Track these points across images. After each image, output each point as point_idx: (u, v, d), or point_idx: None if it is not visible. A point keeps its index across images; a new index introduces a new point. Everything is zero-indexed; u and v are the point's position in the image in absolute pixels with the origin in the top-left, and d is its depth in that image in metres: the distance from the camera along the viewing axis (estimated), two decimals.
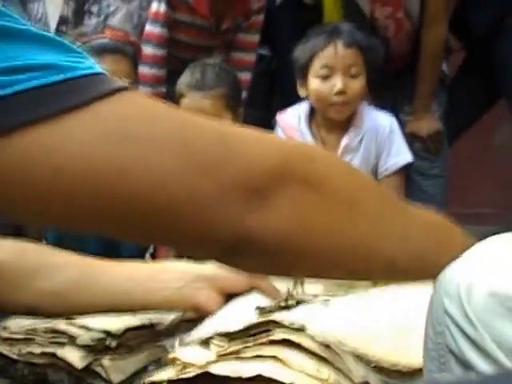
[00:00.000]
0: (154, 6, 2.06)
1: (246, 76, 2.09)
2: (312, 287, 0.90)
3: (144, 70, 2.04)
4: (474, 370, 0.45)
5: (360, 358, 0.66)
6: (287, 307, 0.81)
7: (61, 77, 0.40)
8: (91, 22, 2.19)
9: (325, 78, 1.72)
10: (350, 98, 1.73)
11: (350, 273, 0.55)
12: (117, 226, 0.44)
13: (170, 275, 0.81)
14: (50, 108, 0.40)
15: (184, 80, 1.78)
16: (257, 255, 0.48)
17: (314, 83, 1.74)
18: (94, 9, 2.24)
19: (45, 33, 0.43)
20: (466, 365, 0.46)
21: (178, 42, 2.09)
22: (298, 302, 0.83)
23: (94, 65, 0.44)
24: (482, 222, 2.82)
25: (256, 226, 0.45)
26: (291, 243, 0.48)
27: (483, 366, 0.45)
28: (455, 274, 0.48)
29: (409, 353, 0.65)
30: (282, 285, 0.92)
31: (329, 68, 1.72)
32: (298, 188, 0.48)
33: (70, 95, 0.41)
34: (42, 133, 0.40)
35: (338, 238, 0.50)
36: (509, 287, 0.45)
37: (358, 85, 1.73)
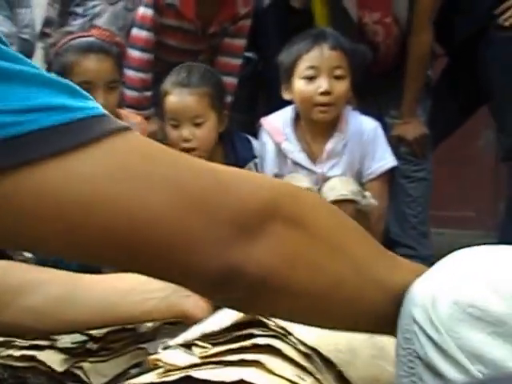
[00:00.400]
0: (141, 10, 2.05)
1: (231, 80, 2.10)
2: None
3: (130, 73, 2.04)
4: (440, 374, 0.48)
5: (333, 371, 0.66)
6: None
7: (69, 117, 0.43)
8: (76, 24, 2.18)
9: (310, 78, 1.74)
10: (335, 99, 1.74)
11: (334, 320, 0.55)
12: (112, 258, 0.47)
13: (154, 285, 0.81)
14: (58, 146, 0.42)
15: (170, 79, 1.79)
16: (242, 290, 0.49)
17: (298, 84, 1.75)
18: (79, 10, 2.24)
19: (53, 76, 0.47)
20: (432, 369, 0.49)
21: (165, 45, 2.09)
22: None
23: (97, 106, 0.46)
24: (464, 225, 2.85)
25: (242, 260, 0.47)
26: (275, 278, 0.49)
27: (448, 369, 0.48)
28: (422, 285, 0.51)
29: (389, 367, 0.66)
30: None
31: (314, 69, 1.73)
32: (284, 226, 0.49)
33: (76, 135, 0.43)
34: (49, 170, 0.42)
35: (322, 277, 0.51)
36: (470, 295, 0.48)
37: (342, 86, 1.74)
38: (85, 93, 0.47)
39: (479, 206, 2.86)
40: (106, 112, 0.46)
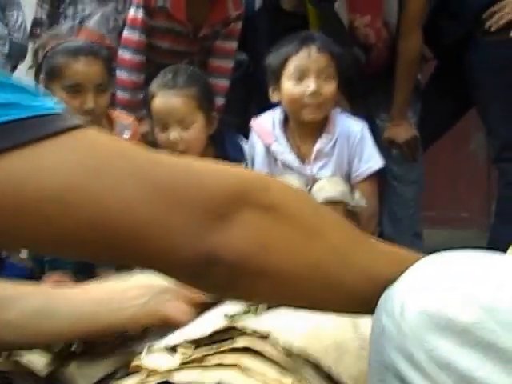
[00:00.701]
0: (132, 12, 2.05)
1: (223, 82, 2.10)
2: None
3: (122, 75, 2.04)
4: (408, 383, 0.48)
5: (321, 369, 0.67)
6: (256, 314, 0.81)
7: (28, 113, 0.44)
8: (66, 25, 2.18)
9: (298, 79, 1.74)
10: (323, 100, 1.75)
11: (310, 301, 0.56)
12: (89, 250, 0.48)
13: (133, 292, 0.81)
14: (21, 139, 0.43)
15: (156, 81, 1.79)
16: (219, 276, 0.50)
17: (287, 85, 1.76)
18: (69, 12, 2.23)
19: (12, 77, 0.49)
20: (401, 379, 0.49)
21: (156, 47, 2.09)
22: (270, 307, 0.84)
23: (57, 105, 0.48)
24: (456, 226, 2.86)
25: (217, 246, 0.49)
26: (252, 263, 0.50)
27: (416, 379, 0.48)
28: (393, 293, 0.52)
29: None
30: None
31: (302, 70, 1.74)
32: (256, 211, 0.50)
33: (36, 130, 0.44)
34: (10, 163, 0.43)
35: (297, 262, 0.52)
36: (437, 304, 0.48)
37: (330, 88, 1.75)
38: (44, 92, 0.49)
39: (472, 207, 2.87)
40: (65, 110, 0.48)
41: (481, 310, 0.46)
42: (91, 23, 2.16)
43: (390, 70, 2.01)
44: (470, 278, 0.49)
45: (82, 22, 2.18)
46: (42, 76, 1.73)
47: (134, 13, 2.05)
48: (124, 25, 2.15)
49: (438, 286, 0.49)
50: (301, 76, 1.74)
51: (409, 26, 1.96)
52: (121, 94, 2.04)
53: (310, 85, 1.72)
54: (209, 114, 1.77)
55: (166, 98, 1.73)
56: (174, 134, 1.72)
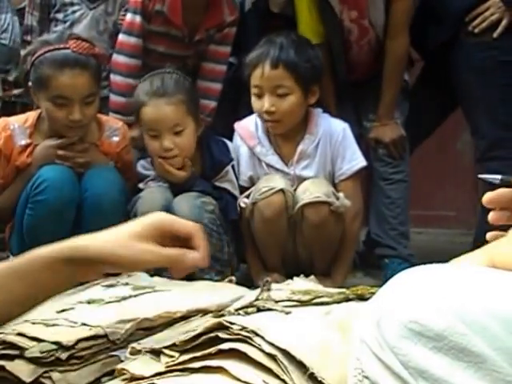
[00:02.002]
0: (129, 17, 2.04)
1: (216, 86, 2.10)
2: (278, 293, 0.92)
3: (117, 79, 2.03)
4: None
5: (306, 371, 0.67)
6: (247, 313, 0.82)
7: None
8: (57, 29, 2.17)
9: (257, 96, 1.79)
10: (280, 117, 1.77)
11: None
12: None
13: None
14: None
15: (143, 89, 1.78)
16: None
17: (252, 99, 1.81)
18: (60, 16, 2.23)
19: None
20: None
21: (152, 51, 2.07)
22: (259, 310, 0.84)
23: None
24: (443, 225, 2.88)
25: None
26: None
27: None
28: (371, 303, 0.53)
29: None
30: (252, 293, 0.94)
31: (258, 88, 1.78)
32: None
33: None
34: None
35: None
36: (411, 312, 0.49)
37: (286, 104, 1.76)
38: None
39: (459, 206, 2.89)
40: None
41: (452, 316, 0.47)
42: (81, 26, 2.16)
43: (378, 72, 2.02)
44: (441, 288, 0.50)
45: (72, 25, 2.18)
46: (29, 84, 1.72)
47: (132, 17, 2.04)
48: (115, 26, 2.16)
49: (411, 296, 0.50)
50: (259, 93, 1.78)
51: (396, 26, 1.97)
52: (114, 98, 2.03)
53: (265, 104, 1.76)
54: (197, 116, 1.78)
55: (157, 107, 1.73)
56: (167, 141, 1.73)
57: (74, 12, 2.22)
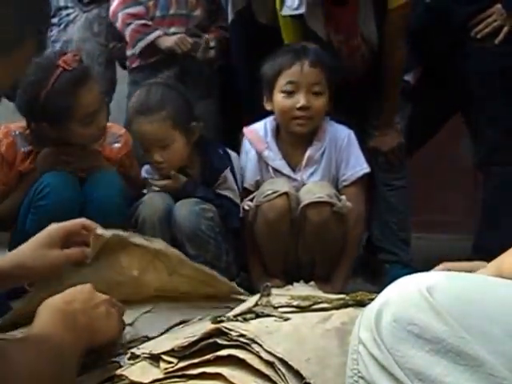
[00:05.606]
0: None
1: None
2: (278, 298, 0.93)
3: (131, 28, 2.16)
4: None
5: (302, 380, 0.68)
6: (245, 320, 0.82)
7: None
8: (52, 33, 2.24)
9: (289, 93, 1.80)
10: (313, 114, 1.80)
11: None
12: None
13: None
14: None
15: (131, 104, 1.80)
16: None
17: (278, 97, 1.82)
18: (54, 20, 2.28)
19: None
20: None
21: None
22: (258, 316, 0.85)
23: None
24: (444, 230, 2.88)
25: None
26: None
27: None
28: (370, 308, 0.54)
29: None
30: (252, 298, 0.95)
31: (294, 84, 1.80)
32: None
33: None
34: None
35: None
36: (410, 314, 0.50)
37: (320, 102, 1.80)
38: None
39: (460, 211, 2.88)
40: None
41: (450, 319, 0.48)
42: (76, 27, 2.23)
43: (374, 83, 2.03)
44: (440, 292, 0.50)
45: (66, 27, 2.24)
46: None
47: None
48: (109, 27, 2.24)
49: (410, 300, 0.51)
50: (292, 90, 1.80)
51: (392, 44, 1.98)
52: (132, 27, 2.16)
53: (300, 100, 1.78)
54: (186, 127, 1.77)
55: (140, 126, 1.75)
56: (156, 156, 1.75)
57: (68, 15, 2.29)
